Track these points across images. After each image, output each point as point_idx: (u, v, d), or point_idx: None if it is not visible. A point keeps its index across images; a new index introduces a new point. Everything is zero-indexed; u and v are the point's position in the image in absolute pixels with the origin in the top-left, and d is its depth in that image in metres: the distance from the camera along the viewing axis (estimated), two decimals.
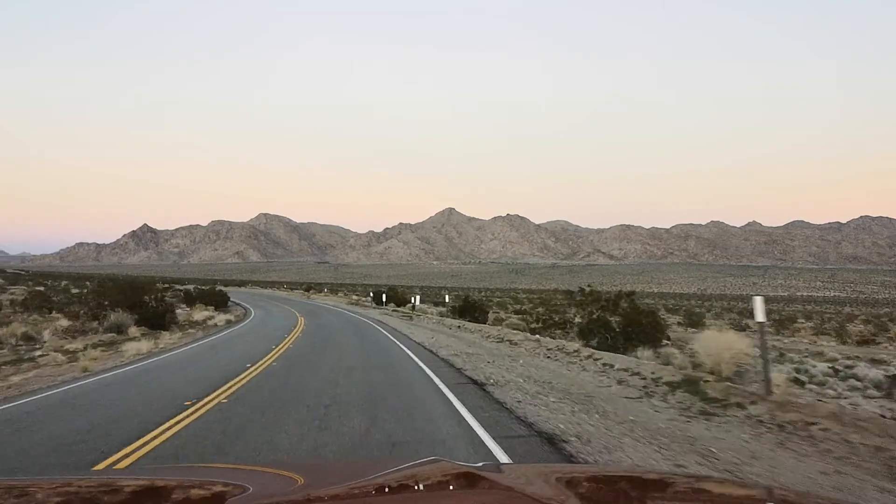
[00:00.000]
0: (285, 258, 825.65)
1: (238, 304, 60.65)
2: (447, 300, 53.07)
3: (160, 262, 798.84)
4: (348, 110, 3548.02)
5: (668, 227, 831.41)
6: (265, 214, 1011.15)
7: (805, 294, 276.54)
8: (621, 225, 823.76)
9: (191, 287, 68.92)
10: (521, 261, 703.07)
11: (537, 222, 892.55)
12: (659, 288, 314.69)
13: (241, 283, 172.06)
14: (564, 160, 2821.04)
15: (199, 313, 40.86)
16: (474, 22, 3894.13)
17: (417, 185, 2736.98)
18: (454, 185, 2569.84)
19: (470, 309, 42.07)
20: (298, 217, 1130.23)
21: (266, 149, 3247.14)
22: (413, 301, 51.99)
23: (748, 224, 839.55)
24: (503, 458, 6.80)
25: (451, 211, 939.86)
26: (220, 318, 38.26)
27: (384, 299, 63.54)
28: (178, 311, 41.36)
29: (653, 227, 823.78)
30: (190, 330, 30.82)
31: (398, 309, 55.15)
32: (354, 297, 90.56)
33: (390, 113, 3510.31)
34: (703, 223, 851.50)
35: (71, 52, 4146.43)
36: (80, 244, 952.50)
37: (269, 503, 1.95)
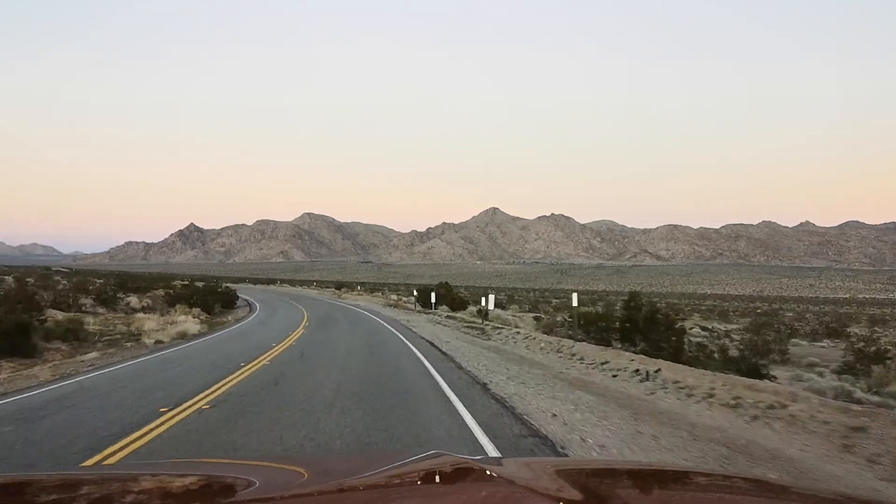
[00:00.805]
0: (329, 258, 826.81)
1: (246, 304, 55.03)
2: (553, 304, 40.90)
3: (206, 261, 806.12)
4: (392, 110, 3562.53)
5: (717, 227, 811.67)
6: (309, 214, 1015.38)
7: (867, 296, 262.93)
8: (668, 225, 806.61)
9: (200, 284, 60.84)
10: (566, 261, 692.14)
11: (582, 222, 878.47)
12: (712, 289, 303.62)
13: (271, 281, 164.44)
14: (610, 159, 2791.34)
15: (167, 320, 29.43)
16: (517, 20, 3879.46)
17: (461, 184, 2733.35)
18: (498, 185, 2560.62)
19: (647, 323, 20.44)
20: (342, 217, 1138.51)
21: (311, 149, 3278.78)
22: (483, 304, 33.82)
23: (801, 224, 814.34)
24: None
25: (494, 210, 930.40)
26: (182, 329, 25.89)
27: (433, 300, 46.94)
28: (144, 316, 30.50)
29: (701, 228, 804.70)
30: (85, 356, 17.56)
31: (455, 315, 40.34)
32: (394, 296, 75.67)
33: (434, 113, 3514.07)
34: (754, 223, 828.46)
35: (120, 55, 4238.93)
36: (130, 243, 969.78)
37: (277, 497, 1.95)
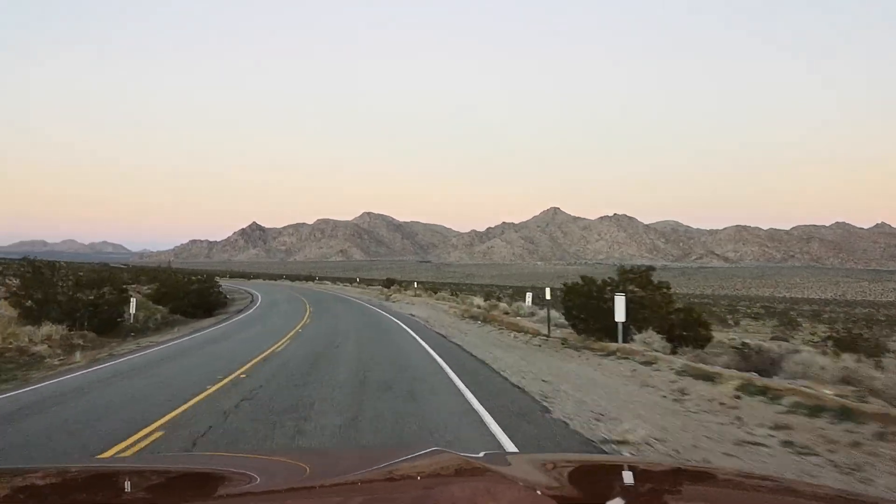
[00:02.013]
0: (388, 257, 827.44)
1: (226, 314, 39.28)
2: None
3: (268, 259, 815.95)
4: (452, 111, 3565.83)
5: (787, 228, 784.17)
6: (369, 213, 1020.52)
7: None
8: (736, 226, 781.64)
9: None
10: (629, 262, 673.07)
11: (646, 222, 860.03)
12: (788, 292, 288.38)
13: (309, 278, 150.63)
14: (674, 159, 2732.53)
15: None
16: (577, 18, 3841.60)
17: (521, 184, 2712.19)
18: (559, 185, 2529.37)
19: None
20: (401, 216, 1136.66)
21: (370, 148, 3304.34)
22: None
23: (877, 225, 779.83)
24: None
25: (555, 210, 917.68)
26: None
27: (622, 318, 17.32)
28: None
29: (771, 229, 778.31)
30: None
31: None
32: (479, 300, 44.39)
33: (494, 112, 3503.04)
34: (827, 224, 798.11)
35: (182, 54, 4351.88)
36: (194, 241, 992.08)
37: (278, 491, 1.97)
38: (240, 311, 41.28)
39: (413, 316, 34.81)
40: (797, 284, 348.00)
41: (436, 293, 65.22)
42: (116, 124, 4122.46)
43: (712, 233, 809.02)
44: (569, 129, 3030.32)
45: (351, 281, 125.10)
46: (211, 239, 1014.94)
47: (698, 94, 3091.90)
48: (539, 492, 1.87)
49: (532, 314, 29.86)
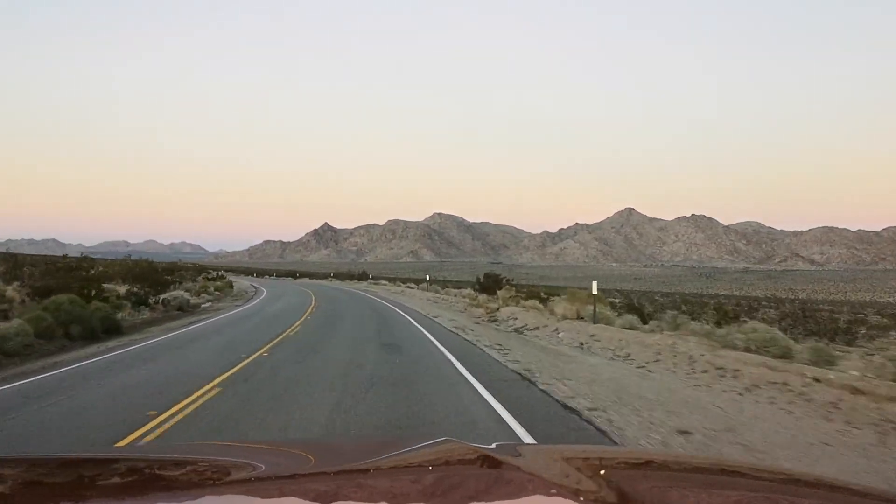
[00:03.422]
0: (458, 258, 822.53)
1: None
2: None
3: (339, 260, 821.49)
4: (522, 110, 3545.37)
5: (877, 229, 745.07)
6: (439, 214, 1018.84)
7: None
8: (823, 227, 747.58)
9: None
10: (709, 264, 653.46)
11: (726, 223, 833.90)
12: (888, 297, 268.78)
13: (362, 277, 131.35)
14: (754, 157, 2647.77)
15: None
16: (655, 15, 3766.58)
17: (594, 184, 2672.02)
18: (633, 184, 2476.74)
19: None
20: (472, 217, 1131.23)
21: (441, 149, 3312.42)
22: None
23: None
24: None
25: (630, 211, 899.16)
26: None
27: None
28: None
29: (860, 230, 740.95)
30: None
31: None
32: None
33: (565, 112, 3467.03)
34: None
35: (256, 56, 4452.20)
36: (267, 242, 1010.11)
37: (284, 478, 1.98)
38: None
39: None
40: (893, 289, 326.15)
41: (544, 301, 35.31)
42: (195, 126, 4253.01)
43: (797, 234, 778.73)
44: (644, 128, 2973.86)
45: (418, 281, 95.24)
46: (284, 239, 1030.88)
47: (782, 92, 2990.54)
48: (550, 484, 1.86)
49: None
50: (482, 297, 38.65)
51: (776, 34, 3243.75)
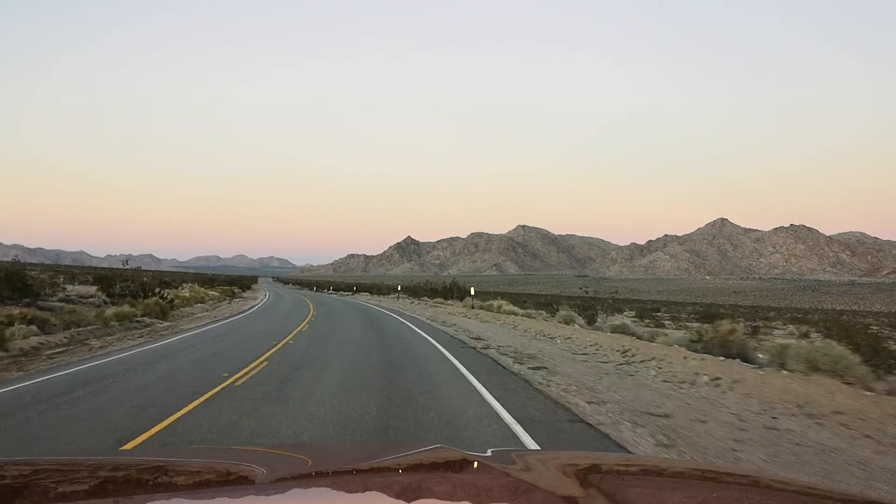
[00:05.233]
0: (543, 271, 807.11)
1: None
2: None
3: (422, 273, 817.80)
4: (607, 121, 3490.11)
5: None
6: (523, 226, 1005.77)
7: None
8: None
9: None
10: (810, 277, 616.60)
11: (827, 234, 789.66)
12: None
13: (416, 291, 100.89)
14: (857, 164, 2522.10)
15: None
16: (747, 20, 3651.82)
17: (683, 194, 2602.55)
18: (726, 194, 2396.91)
19: None
20: (556, 229, 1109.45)
21: (525, 160, 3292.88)
22: None
23: None
24: None
25: (723, 221, 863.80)
26: None
27: None
28: None
29: None
30: None
31: None
32: None
33: (651, 121, 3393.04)
34: None
35: (344, 71, 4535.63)
36: (351, 255, 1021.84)
37: (282, 480, 2.00)
38: None
39: None
40: None
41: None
42: (285, 144, 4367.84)
43: None
44: (737, 135, 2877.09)
45: (498, 294, 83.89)
46: (367, 253, 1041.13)
47: (885, 91, 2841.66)
48: (543, 491, 1.85)
49: None
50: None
51: (869, 36, 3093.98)
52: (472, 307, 45.50)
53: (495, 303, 45.13)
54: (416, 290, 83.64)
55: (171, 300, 34.26)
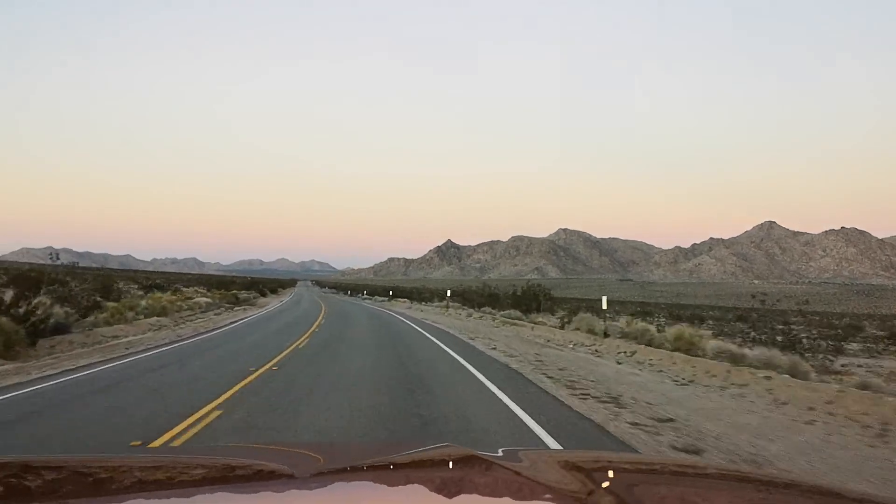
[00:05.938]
0: (585, 274, 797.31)
1: None
2: None
3: (462, 277, 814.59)
4: (649, 123, 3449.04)
5: None
6: (564, 230, 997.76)
7: None
8: None
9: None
10: (862, 281, 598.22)
11: (880, 236, 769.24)
12: None
13: (468, 298, 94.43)
14: None
15: None
16: (800, 17, 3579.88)
17: (729, 196, 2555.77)
18: (773, 196, 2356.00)
19: None
20: (599, 232, 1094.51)
21: (566, 163, 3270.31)
22: None
23: None
24: None
25: (770, 224, 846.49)
26: None
27: None
28: None
29: None
30: None
31: None
32: None
33: (695, 123, 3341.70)
34: None
35: (383, 75, 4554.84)
36: (392, 259, 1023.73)
37: (293, 479, 2.03)
38: None
39: None
40: None
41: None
42: (328, 145, 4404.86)
43: None
44: (784, 136, 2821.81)
45: (533, 308, 56.50)
46: (408, 257, 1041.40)
47: None
48: (551, 490, 1.86)
49: None
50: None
51: None
52: (607, 333, 23.00)
53: (654, 330, 23.20)
54: (467, 297, 66.07)
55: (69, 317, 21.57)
